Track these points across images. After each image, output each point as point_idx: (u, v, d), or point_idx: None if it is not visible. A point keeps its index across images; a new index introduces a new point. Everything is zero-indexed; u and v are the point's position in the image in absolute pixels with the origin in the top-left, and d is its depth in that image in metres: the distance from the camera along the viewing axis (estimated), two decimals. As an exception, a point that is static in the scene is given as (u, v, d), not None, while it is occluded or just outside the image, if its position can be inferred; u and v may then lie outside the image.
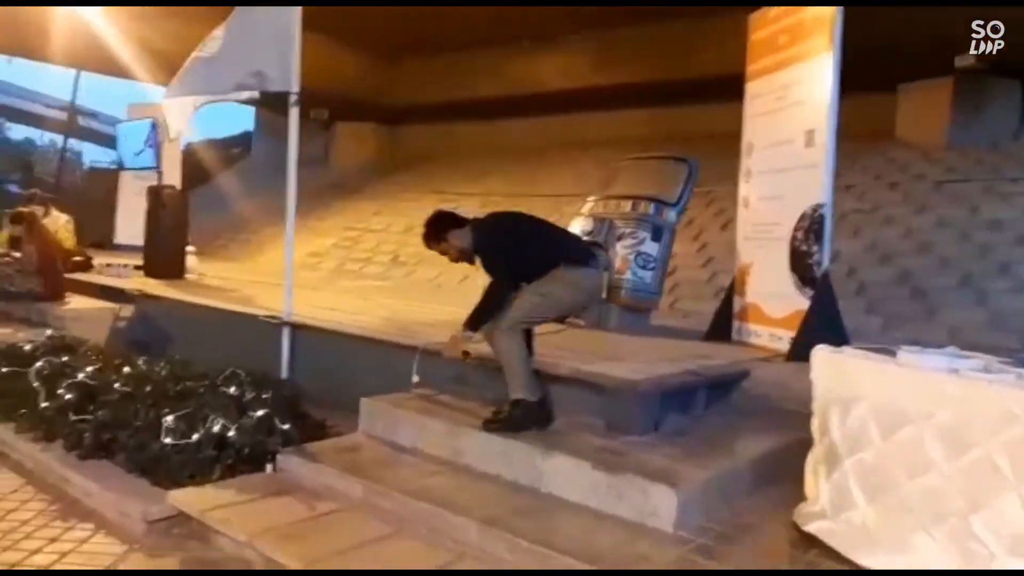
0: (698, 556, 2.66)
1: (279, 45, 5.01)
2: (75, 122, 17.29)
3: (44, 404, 4.24)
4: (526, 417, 3.41)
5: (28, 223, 6.58)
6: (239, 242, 13.20)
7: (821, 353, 2.97)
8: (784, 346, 5.09)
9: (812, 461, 2.98)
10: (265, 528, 2.95)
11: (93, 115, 19.37)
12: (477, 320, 3.66)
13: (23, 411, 4.25)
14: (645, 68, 11.88)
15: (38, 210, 7.59)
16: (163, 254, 7.75)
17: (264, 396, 4.08)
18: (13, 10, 10.42)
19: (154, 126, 10.53)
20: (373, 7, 11.14)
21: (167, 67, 12.90)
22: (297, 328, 5.20)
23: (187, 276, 7.98)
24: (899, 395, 2.54)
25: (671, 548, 2.71)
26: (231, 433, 3.60)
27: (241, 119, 20.89)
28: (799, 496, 3.25)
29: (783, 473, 3.51)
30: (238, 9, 5.09)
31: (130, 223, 11.22)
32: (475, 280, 9.65)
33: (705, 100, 11.77)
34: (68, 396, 4.06)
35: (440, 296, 8.60)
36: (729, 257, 6.33)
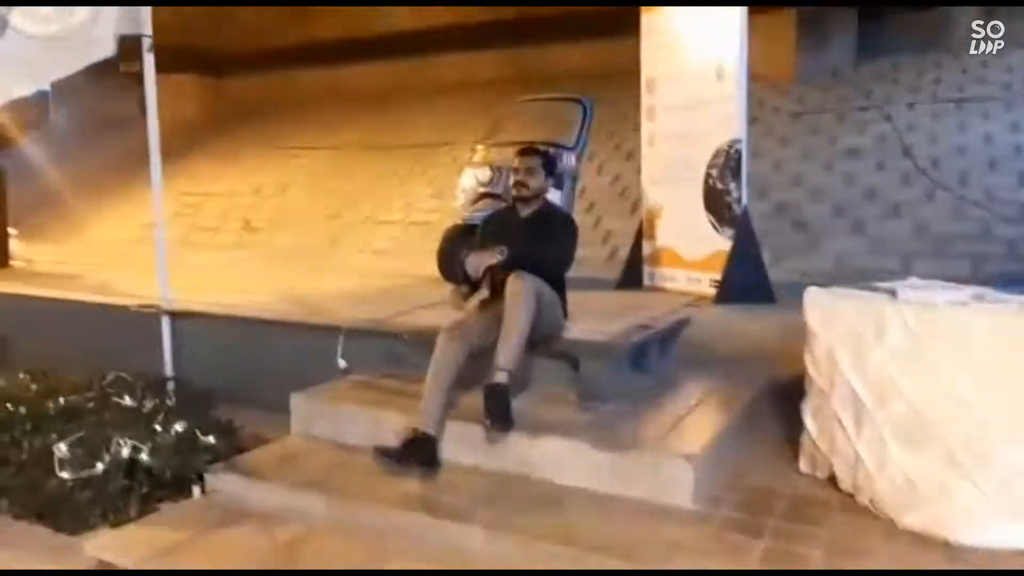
0: (734, 533, 2.48)
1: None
2: None
3: None
4: (506, 402, 3.00)
5: None
6: (58, 219, 11.57)
7: (817, 295, 2.84)
8: (704, 288, 5.06)
9: (812, 408, 2.88)
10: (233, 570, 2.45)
11: None
12: (521, 259, 3.19)
13: None
14: (503, 5, 11.45)
15: None
16: (-21, 240, 6.53)
17: (169, 403, 3.46)
18: None
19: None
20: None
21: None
22: (179, 316, 4.51)
23: (13, 264, 6.79)
24: (923, 335, 2.45)
25: (699, 527, 2.51)
26: (144, 456, 2.99)
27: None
28: (785, 445, 3.19)
29: (758, 422, 3.44)
30: None
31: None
32: (344, 243, 9.06)
33: (569, 39, 11.60)
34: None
35: (314, 263, 7.95)
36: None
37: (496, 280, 3.19)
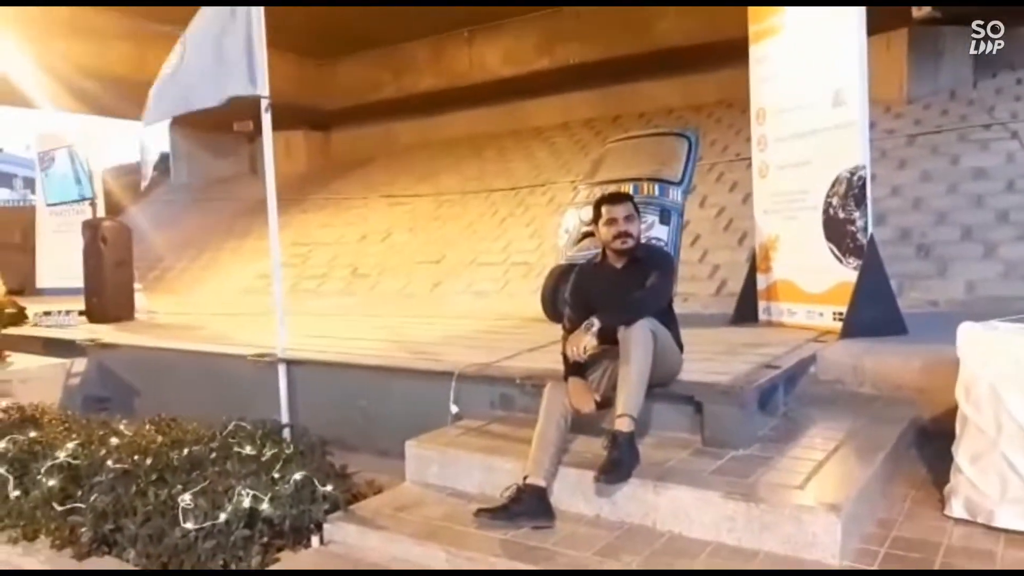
0: (893, 593, 2.23)
1: (244, 49, 4.40)
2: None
3: (16, 494, 3.53)
4: (633, 451, 2.84)
5: (-49, 278, 5.70)
6: (176, 272, 12.24)
7: (974, 331, 2.57)
8: (827, 322, 4.75)
9: (971, 451, 2.59)
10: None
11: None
12: (619, 318, 2.97)
13: (-11, 507, 3.52)
14: (593, 47, 11.52)
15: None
16: (108, 295, 6.90)
17: (288, 452, 3.47)
18: None
19: (71, 154, 9.53)
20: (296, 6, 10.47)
21: (71, 91, 11.91)
22: (293, 364, 4.58)
23: (137, 317, 7.16)
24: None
25: (852, 586, 2.28)
26: (264, 506, 2.99)
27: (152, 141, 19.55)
28: (931, 489, 2.90)
29: (901, 466, 3.15)
30: (197, 16, 4.47)
31: (55, 264, 10.20)
32: (447, 286, 9.13)
33: (660, 75, 11.52)
34: (50, 482, 3.35)
35: (418, 307, 8.04)
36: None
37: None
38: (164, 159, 18.16)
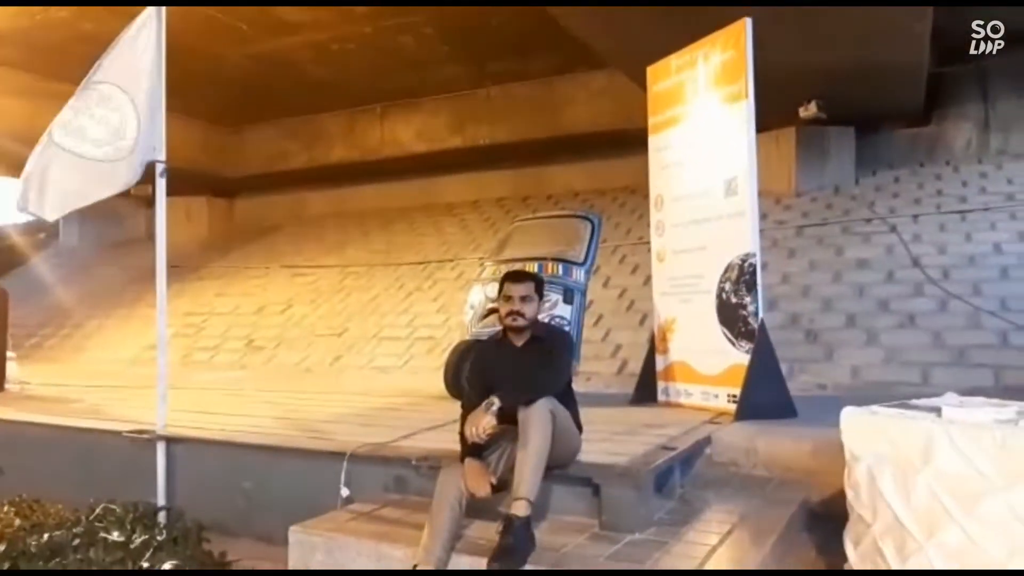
0: None
1: (148, 113, 4.28)
2: None
3: None
4: (528, 536, 2.76)
5: None
6: (58, 339, 11.49)
7: (855, 415, 2.65)
8: (721, 403, 4.86)
9: (854, 536, 2.64)
10: None
11: None
12: (519, 396, 2.89)
13: None
14: (505, 129, 11.83)
15: None
16: (-24, 363, 6.39)
17: (160, 538, 3.21)
18: None
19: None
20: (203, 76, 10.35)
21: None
22: (173, 442, 4.30)
23: (8, 387, 6.63)
24: (976, 460, 2.26)
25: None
26: (128, 600, 2.73)
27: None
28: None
29: (795, 551, 3.18)
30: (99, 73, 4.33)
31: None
32: (348, 360, 8.89)
33: (568, 159, 11.91)
34: None
35: (316, 382, 7.78)
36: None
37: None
38: (55, 221, 17.33)
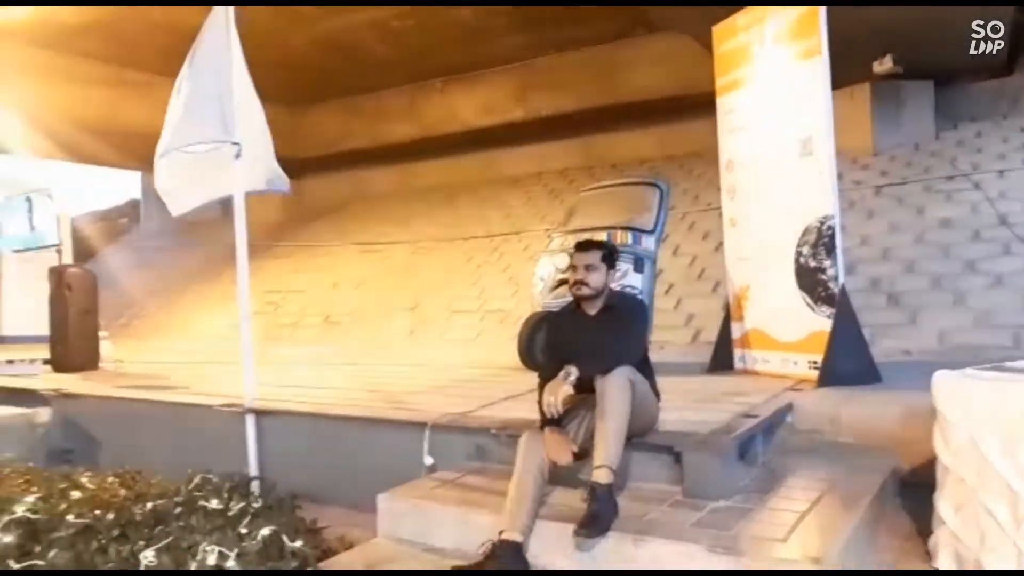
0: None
1: (223, 98, 4.39)
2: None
3: (-33, 553, 3.35)
4: (612, 503, 2.77)
5: (-92, 325, 5.51)
6: (145, 319, 12.02)
7: (948, 379, 2.58)
8: (801, 370, 4.76)
9: (953, 501, 2.57)
10: None
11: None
12: (596, 366, 2.90)
13: (-61, 566, 3.34)
14: (567, 98, 11.72)
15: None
16: (73, 343, 6.74)
17: (255, 506, 3.36)
18: None
19: (29, 201, 9.36)
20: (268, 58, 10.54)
21: (45, 137, 11.82)
22: (262, 414, 4.46)
23: (103, 366, 6.98)
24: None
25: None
26: (231, 562, 2.87)
27: (125, 188, 19.41)
28: (915, 540, 2.87)
29: (882, 517, 3.12)
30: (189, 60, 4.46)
31: (18, 312, 9.93)
32: (422, 333, 9.06)
33: (633, 125, 11.73)
34: (6, 539, 3.19)
35: (393, 355, 7.94)
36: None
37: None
38: (134, 204, 18.05)
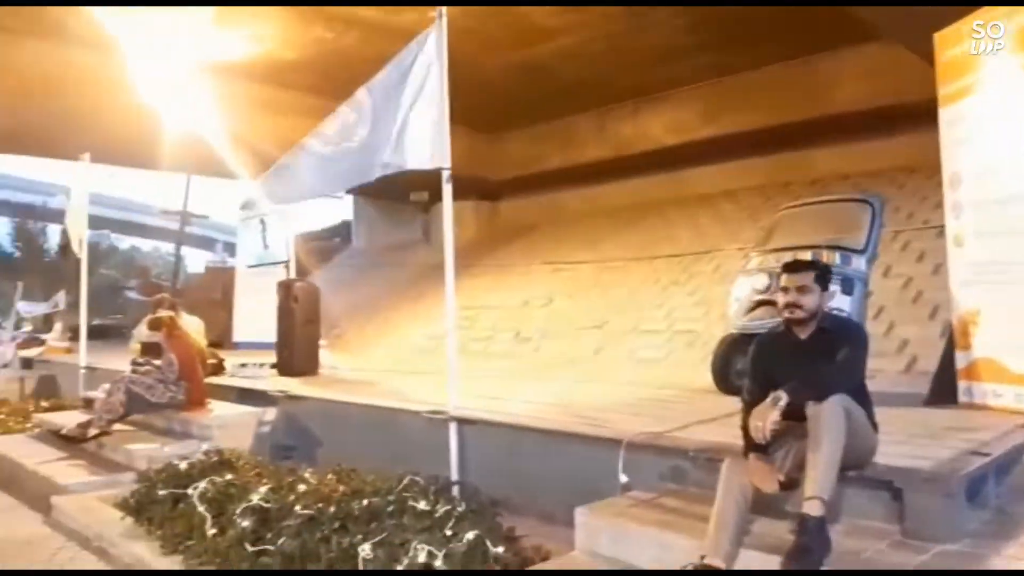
0: None
1: (429, 123, 4.69)
2: (186, 226, 17.77)
3: (212, 532, 3.81)
4: (824, 537, 2.62)
5: (168, 328, 6.35)
6: (354, 331, 13.00)
7: None
8: (1042, 407, 4.25)
9: None
10: None
11: (204, 217, 19.99)
12: (807, 394, 2.79)
13: (190, 542, 3.82)
14: (761, 114, 11.33)
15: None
16: (297, 350, 7.45)
17: (459, 510, 3.53)
18: (122, 121, 10.71)
19: (262, 222, 10.47)
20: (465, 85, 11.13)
21: (264, 163, 13.22)
22: (464, 423, 4.69)
23: (321, 372, 7.66)
24: None
25: None
26: (438, 562, 3.05)
27: (335, 210, 21.22)
28: None
29: None
30: (380, 88, 4.82)
31: (249, 320, 11.13)
32: (609, 352, 9.07)
33: (832, 141, 11.11)
34: (243, 523, 3.60)
35: (581, 372, 8.01)
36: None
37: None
38: (346, 226, 19.66)
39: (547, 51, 10.80)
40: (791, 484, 2.88)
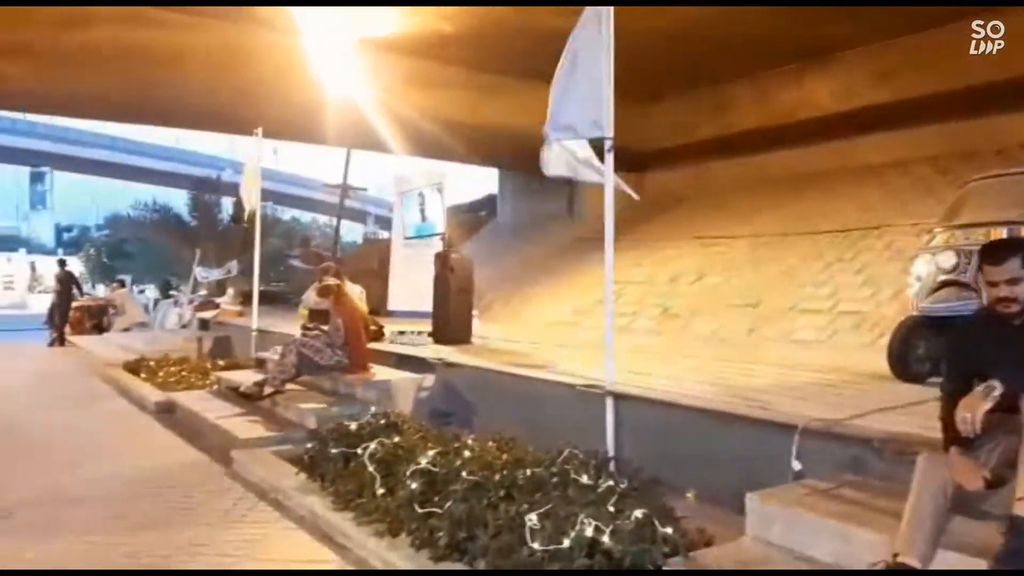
0: None
1: (592, 93, 4.63)
2: (346, 199, 18.63)
3: (381, 491, 3.98)
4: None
5: (336, 296, 6.69)
6: (500, 303, 13.22)
7: None
8: None
9: None
10: None
11: (363, 190, 20.87)
12: None
13: (361, 499, 4.01)
14: (940, 76, 10.33)
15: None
16: (452, 319, 7.65)
17: (622, 486, 3.49)
18: (292, 97, 11.30)
19: (422, 194, 10.73)
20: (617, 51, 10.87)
21: (418, 139, 13.58)
22: (620, 398, 4.63)
23: (473, 341, 7.83)
24: None
25: None
26: (605, 538, 3.01)
27: (482, 184, 21.56)
28: None
29: None
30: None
31: (403, 290, 11.53)
32: (763, 332, 8.70)
33: (1017, 106, 10.00)
34: (413, 485, 3.72)
35: (733, 352, 7.72)
36: None
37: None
38: (491, 200, 19.94)
39: (697, 12, 10.31)
40: (997, 482, 2.62)
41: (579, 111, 4.70)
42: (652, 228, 13.68)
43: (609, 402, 4.60)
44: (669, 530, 3.07)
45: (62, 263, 17.98)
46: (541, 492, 3.44)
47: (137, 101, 12.49)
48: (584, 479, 3.55)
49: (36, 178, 63.90)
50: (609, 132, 4.64)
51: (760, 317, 9.04)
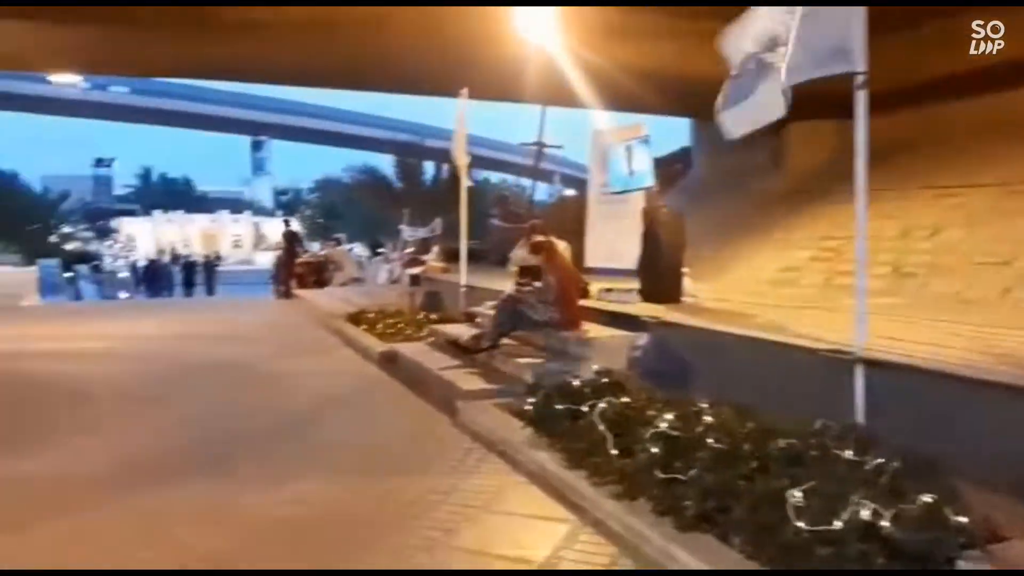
0: None
1: (835, 17, 4.16)
2: (542, 158, 18.60)
3: (614, 452, 3.87)
4: None
5: (547, 252, 6.65)
6: (702, 260, 12.67)
7: None
8: None
9: None
10: None
11: (559, 147, 20.72)
12: None
13: (594, 459, 3.92)
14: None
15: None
16: (663, 276, 7.39)
17: (893, 464, 3.11)
18: (493, 55, 11.32)
19: (629, 147, 10.39)
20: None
21: (615, 92, 13.17)
22: (873, 366, 4.17)
23: (684, 300, 7.52)
24: None
25: None
26: (885, 522, 2.69)
27: (674, 136, 20.69)
28: None
29: None
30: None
31: (600, 246, 11.32)
32: (1020, 293, 7.61)
33: None
34: (653, 449, 3.57)
35: (983, 315, 6.81)
36: None
37: None
38: (686, 152, 19.12)
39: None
40: None
41: (819, 42, 4.26)
42: (874, 178, 12.40)
43: (859, 370, 4.17)
44: (965, 520, 2.67)
45: (287, 223, 19.57)
46: (798, 467, 3.16)
47: (348, 67, 13.15)
48: (848, 454, 3.21)
49: (256, 146, 70.32)
50: (862, 66, 4.14)
51: (1015, 276, 7.94)
